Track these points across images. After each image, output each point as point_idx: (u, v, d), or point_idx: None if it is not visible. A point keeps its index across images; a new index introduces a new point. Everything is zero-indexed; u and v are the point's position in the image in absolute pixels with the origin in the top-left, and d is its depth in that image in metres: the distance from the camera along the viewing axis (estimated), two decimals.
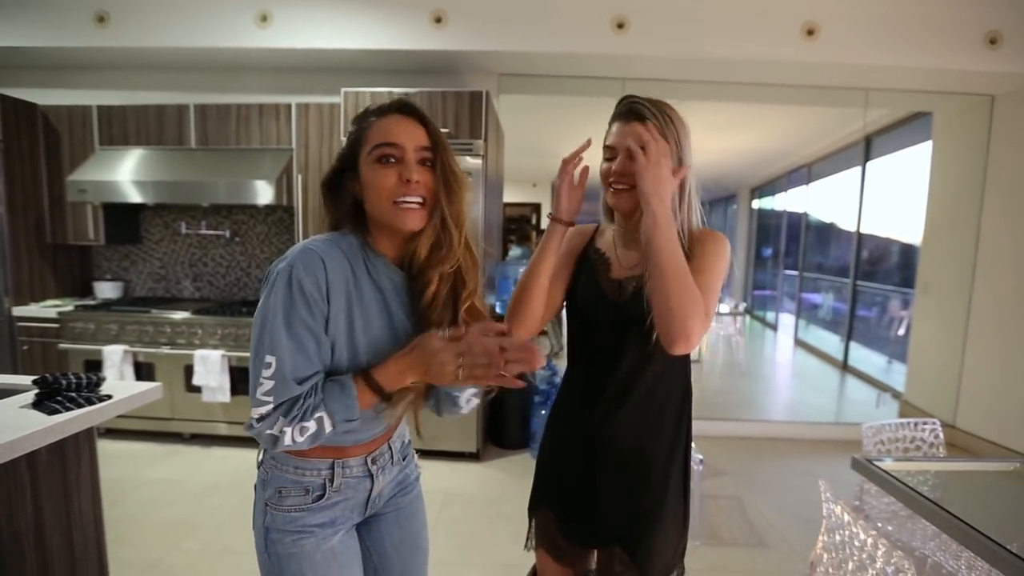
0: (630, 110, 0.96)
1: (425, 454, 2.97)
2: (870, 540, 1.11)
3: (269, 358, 0.77)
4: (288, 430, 0.77)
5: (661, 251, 0.88)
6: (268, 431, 0.78)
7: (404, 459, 1.02)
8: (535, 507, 1.16)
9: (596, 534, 1.05)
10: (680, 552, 1.05)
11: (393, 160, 0.82)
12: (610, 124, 1.01)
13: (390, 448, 0.97)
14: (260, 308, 0.80)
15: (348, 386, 0.80)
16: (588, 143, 1.03)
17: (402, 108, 0.85)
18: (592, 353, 1.06)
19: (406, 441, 1.04)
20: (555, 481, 1.11)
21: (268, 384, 0.77)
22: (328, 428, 0.79)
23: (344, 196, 0.87)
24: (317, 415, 0.78)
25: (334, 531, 0.90)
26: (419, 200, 0.82)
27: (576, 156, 1.01)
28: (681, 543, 1.05)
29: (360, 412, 0.82)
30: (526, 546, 1.18)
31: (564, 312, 1.13)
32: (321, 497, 0.88)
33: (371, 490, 0.94)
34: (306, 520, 0.88)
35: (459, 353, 0.77)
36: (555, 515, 1.11)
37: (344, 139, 0.88)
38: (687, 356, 1.05)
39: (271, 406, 0.77)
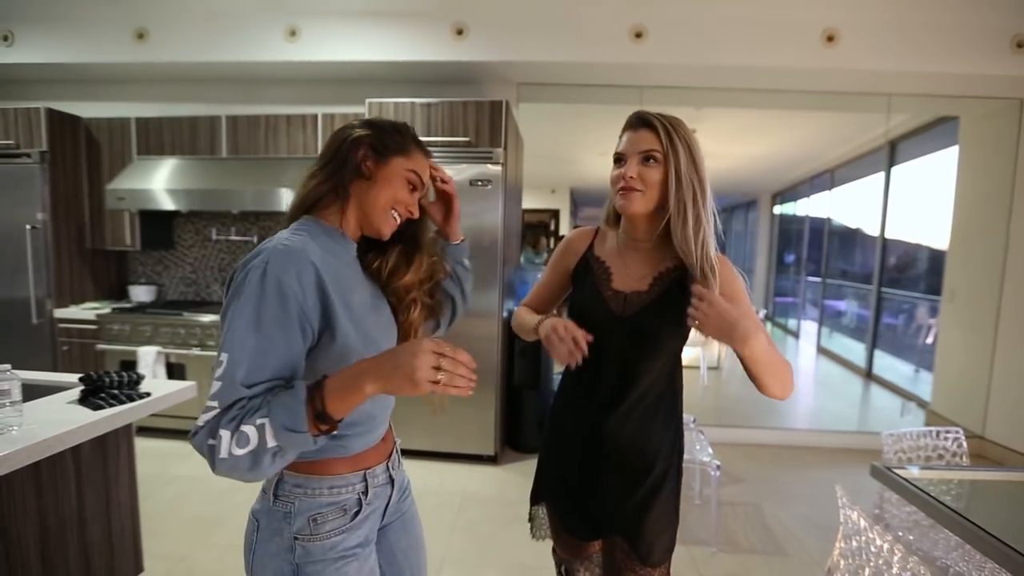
0: (639, 119, 1.01)
1: (443, 457, 3.01)
2: (886, 546, 1.11)
3: (222, 355, 0.70)
4: (225, 435, 0.67)
5: (763, 364, 0.92)
6: (209, 440, 0.68)
7: (400, 460, 1.04)
8: (537, 501, 1.19)
9: (597, 526, 1.09)
10: (672, 545, 1.09)
11: (416, 188, 0.92)
12: (620, 136, 1.05)
13: (396, 451, 1.00)
14: (224, 309, 0.74)
15: (298, 389, 0.70)
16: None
17: (426, 150, 0.95)
18: (592, 358, 1.07)
19: (399, 441, 1.06)
20: (556, 476, 1.14)
21: (216, 386, 0.69)
22: (271, 442, 0.67)
23: (349, 169, 0.87)
24: (259, 420, 0.67)
25: (369, 551, 0.89)
26: (400, 219, 0.92)
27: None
28: (674, 537, 1.09)
29: (359, 413, 0.79)
30: (532, 534, 1.22)
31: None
32: (357, 513, 0.87)
33: (390, 496, 0.94)
34: (347, 543, 0.84)
35: (441, 355, 0.69)
36: (557, 510, 1.15)
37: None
38: (680, 360, 1.09)
39: (216, 411, 0.68)
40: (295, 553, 0.81)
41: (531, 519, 1.21)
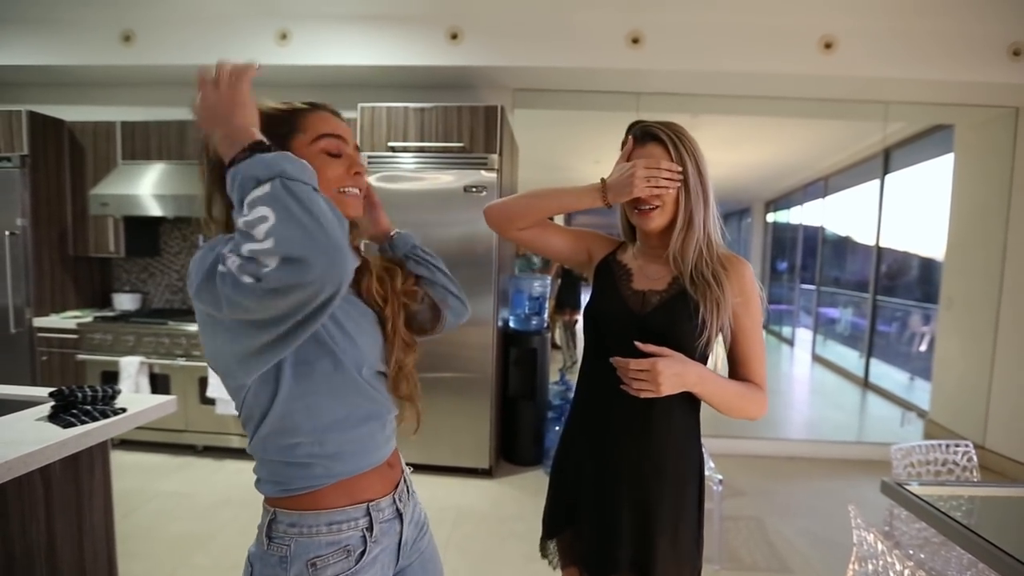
0: (644, 132, 1.00)
1: (437, 470, 2.93)
2: (907, 572, 1.05)
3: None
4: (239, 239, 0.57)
5: (720, 404, 0.98)
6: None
7: (412, 491, 0.94)
8: (550, 534, 1.13)
9: (611, 560, 1.01)
10: None
11: (339, 153, 0.80)
12: (624, 148, 1.03)
13: (404, 481, 0.90)
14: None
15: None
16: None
17: (330, 108, 0.84)
18: (610, 368, 1.02)
19: (410, 470, 0.98)
20: (570, 505, 1.08)
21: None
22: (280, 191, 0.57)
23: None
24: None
25: None
26: (359, 189, 0.82)
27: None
28: (696, 571, 1.02)
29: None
30: (550, 564, 1.15)
31: (579, 326, 1.12)
32: (363, 554, 0.77)
33: (401, 532, 0.85)
34: None
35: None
36: (570, 540, 1.09)
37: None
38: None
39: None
40: None
41: (544, 552, 1.15)
